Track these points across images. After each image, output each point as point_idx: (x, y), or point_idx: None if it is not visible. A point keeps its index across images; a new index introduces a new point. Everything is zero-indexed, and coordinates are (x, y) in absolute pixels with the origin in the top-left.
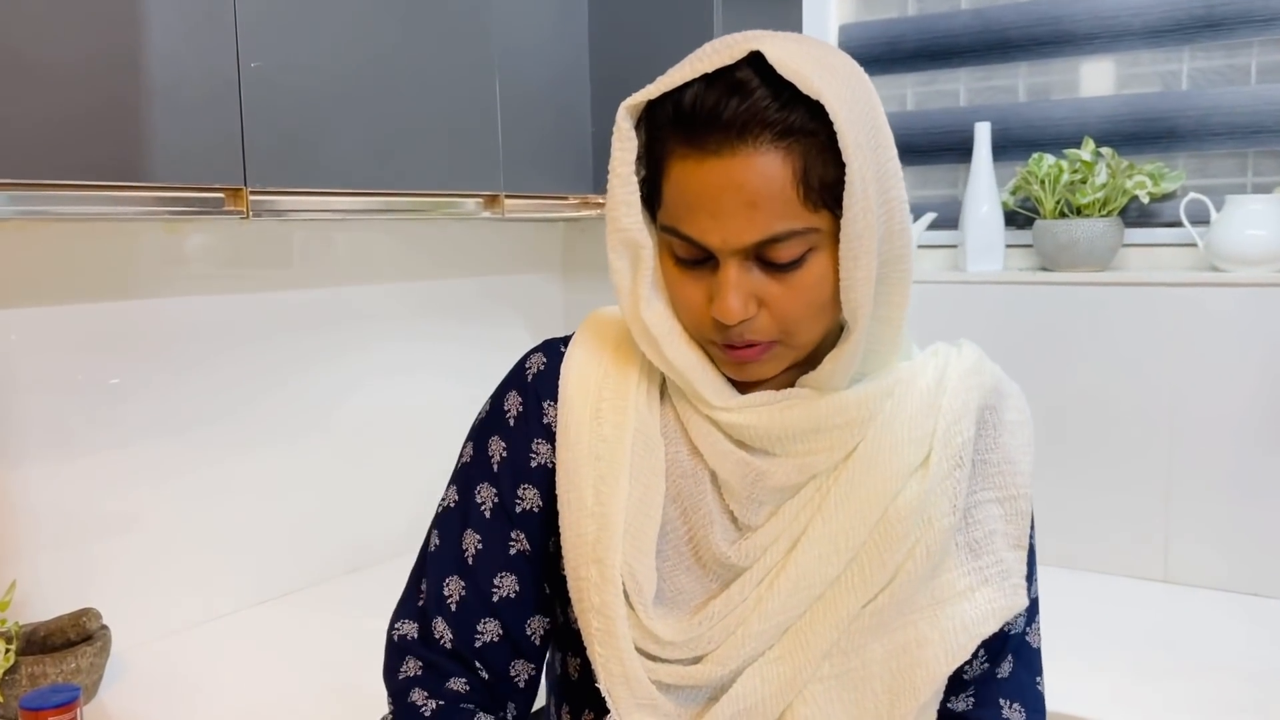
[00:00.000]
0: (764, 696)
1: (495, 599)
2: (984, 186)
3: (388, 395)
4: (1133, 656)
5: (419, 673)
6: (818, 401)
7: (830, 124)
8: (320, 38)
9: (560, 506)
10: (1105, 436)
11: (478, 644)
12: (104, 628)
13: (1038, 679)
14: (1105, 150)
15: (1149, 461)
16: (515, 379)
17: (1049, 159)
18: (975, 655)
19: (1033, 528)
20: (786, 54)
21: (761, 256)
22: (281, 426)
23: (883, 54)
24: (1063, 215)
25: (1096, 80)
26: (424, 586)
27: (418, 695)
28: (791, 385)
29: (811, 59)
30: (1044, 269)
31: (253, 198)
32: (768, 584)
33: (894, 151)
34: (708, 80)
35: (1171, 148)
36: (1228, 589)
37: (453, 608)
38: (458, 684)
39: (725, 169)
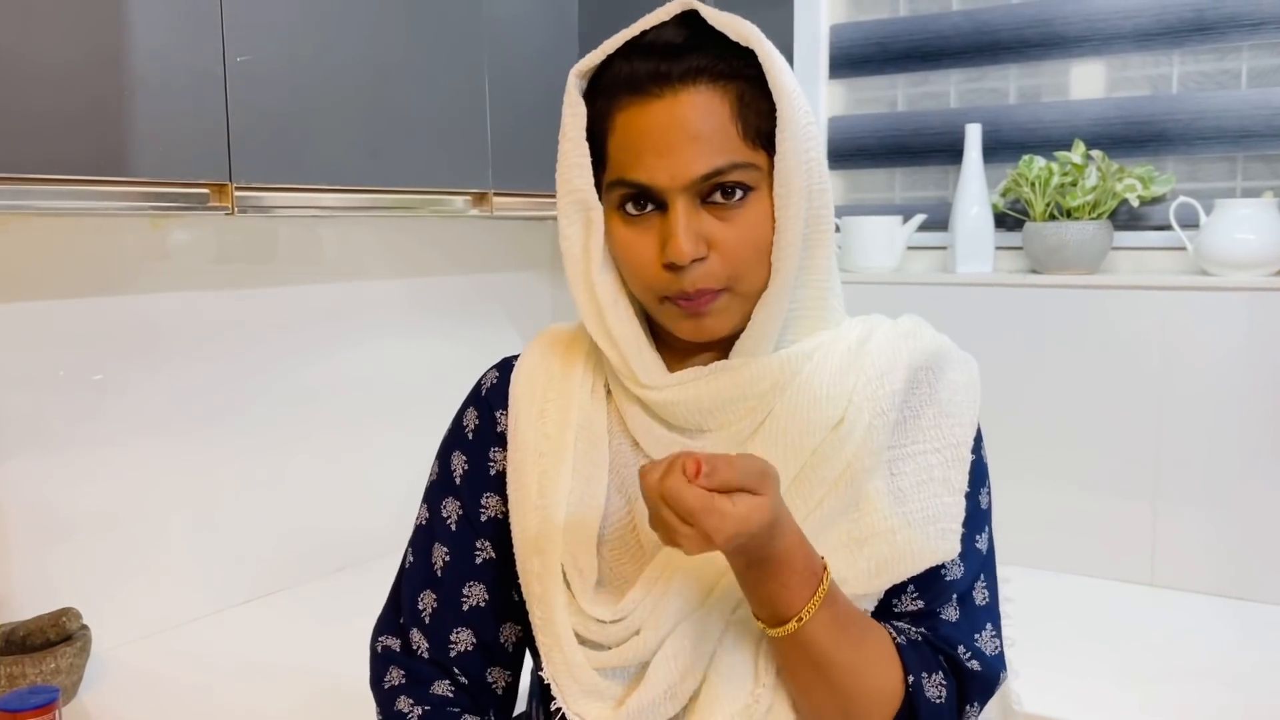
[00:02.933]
0: (692, 656)
1: (465, 608)
2: (974, 188)
3: (373, 394)
4: (1119, 660)
5: (403, 681)
6: (741, 370)
7: (760, 71)
8: (308, 32)
9: (510, 505)
10: (1093, 439)
11: (453, 653)
12: (84, 628)
13: (977, 635)
14: (1095, 153)
15: (1136, 465)
16: (472, 396)
17: (1039, 161)
18: (905, 591)
19: (988, 488)
20: (717, 12)
21: (707, 197)
22: (266, 424)
23: (874, 55)
24: (1053, 218)
25: (1087, 83)
26: (401, 602)
27: (404, 703)
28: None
29: (739, 19)
30: (1033, 271)
31: (238, 194)
32: None
33: (814, 118)
34: (646, 37)
35: (1161, 151)
36: (1214, 593)
37: (427, 620)
38: (441, 687)
39: (668, 108)
